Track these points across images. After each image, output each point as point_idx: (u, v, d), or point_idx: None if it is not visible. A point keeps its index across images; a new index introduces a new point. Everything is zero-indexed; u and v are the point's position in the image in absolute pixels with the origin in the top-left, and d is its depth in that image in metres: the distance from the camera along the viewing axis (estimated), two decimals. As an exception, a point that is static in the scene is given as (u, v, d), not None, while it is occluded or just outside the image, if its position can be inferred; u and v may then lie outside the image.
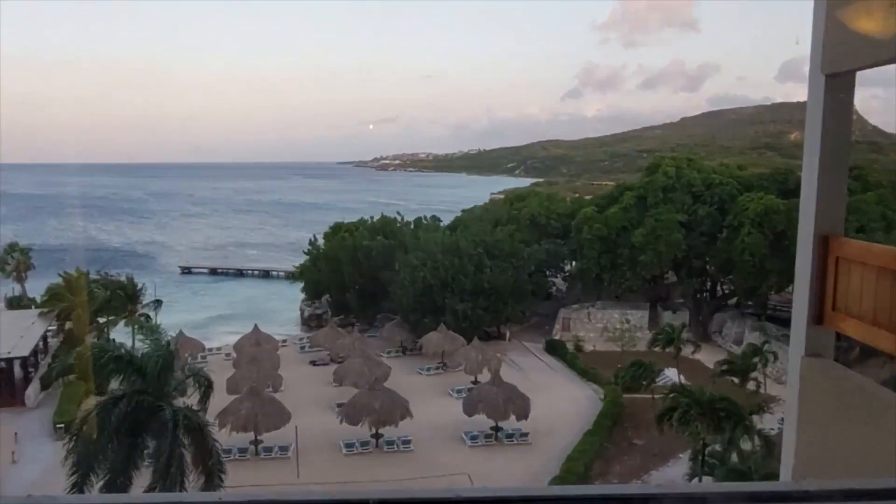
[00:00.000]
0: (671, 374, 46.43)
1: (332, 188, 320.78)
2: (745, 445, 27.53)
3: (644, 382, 36.82)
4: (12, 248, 68.14)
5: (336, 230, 73.49)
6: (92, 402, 31.66)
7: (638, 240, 55.87)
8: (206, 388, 23.11)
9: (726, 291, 60.99)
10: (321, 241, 72.46)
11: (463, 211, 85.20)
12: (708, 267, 57.67)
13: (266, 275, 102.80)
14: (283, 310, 79.62)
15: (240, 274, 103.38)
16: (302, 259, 73.94)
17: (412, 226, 71.02)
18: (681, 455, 34.64)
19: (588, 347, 55.89)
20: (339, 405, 39.35)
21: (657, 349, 41.99)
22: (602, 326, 57.21)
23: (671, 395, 27.33)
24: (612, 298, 62.96)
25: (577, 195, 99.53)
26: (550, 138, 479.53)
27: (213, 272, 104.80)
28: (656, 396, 39.54)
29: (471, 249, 56.20)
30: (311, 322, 71.27)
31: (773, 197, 52.78)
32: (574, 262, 63.49)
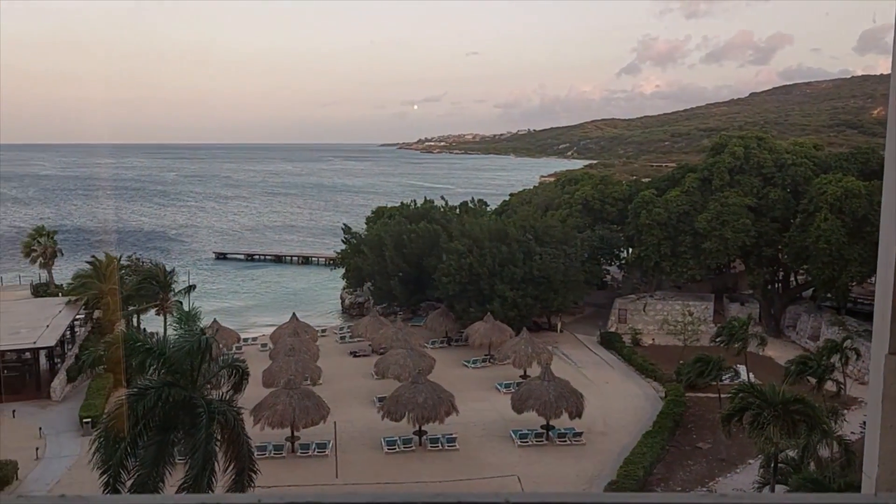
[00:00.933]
0: (739, 372, 45.06)
1: (373, 171, 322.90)
2: (823, 452, 26.32)
3: (710, 380, 35.56)
4: (39, 232, 68.77)
5: (378, 215, 73.43)
6: (120, 394, 32.05)
7: (702, 225, 54.15)
8: (239, 379, 22.89)
9: (800, 282, 58.82)
10: (363, 227, 72.48)
11: (511, 195, 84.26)
12: (780, 256, 55.58)
13: (305, 261, 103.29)
14: (322, 298, 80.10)
15: (278, 260, 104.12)
16: (342, 244, 74.11)
17: (457, 210, 70.46)
18: (751, 461, 33.43)
19: (646, 341, 54.58)
20: (381, 399, 39.16)
21: (723, 344, 40.57)
22: (662, 318, 55.79)
23: (740, 395, 26.17)
24: (672, 288, 61.44)
25: (635, 177, 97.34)
26: (605, 117, 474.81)
27: (250, 258, 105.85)
28: (723, 396, 38.36)
29: (519, 235, 55.37)
30: (351, 310, 71.49)
31: (853, 179, 50.49)
32: (631, 250, 61.99)
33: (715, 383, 35.85)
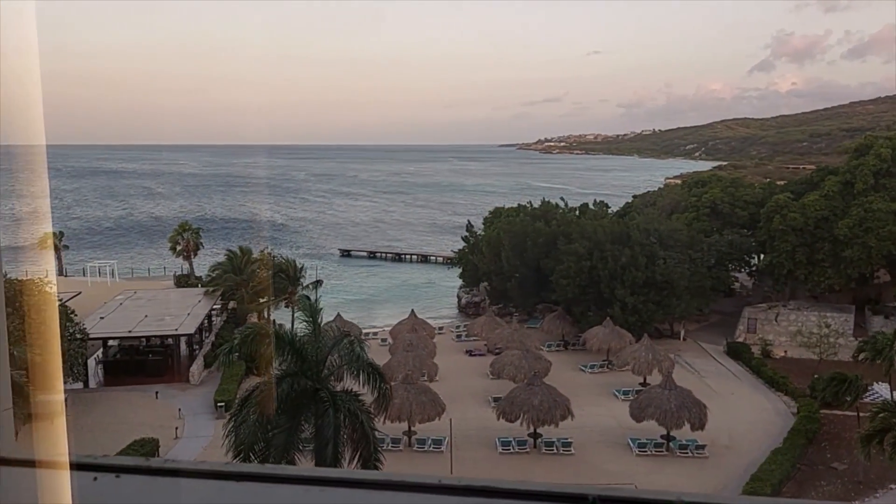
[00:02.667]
0: (881, 390, 41.86)
1: (491, 171, 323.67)
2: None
3: (848, 399, 33.19)
4: (183, 227, 73.49)
5: (496, 215, 73.58)
6: (252, 382, 33.74)
7: (843, 232, 50.76)
8: (372, 375, 23.43)
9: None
10: (480, 226, 72.90)
11: (634, 196, 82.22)
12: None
13: (424, 259, 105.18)
14: (440, 296, 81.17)
15: (398, 258, 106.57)
16: (459, 243, 74.84)
17: (577, 212, 69.46)
18: (892, 486, 31.07)
19: (777, 353, 51.71)
20: (496, 399, 39.23)
21: (867, 361, 37.76)
22: (795, 330, 52.66)
23: (881, 415, 24.27)
24: (807, 298, 57.92)
25: (768, 180, 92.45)
26: (736, 116, 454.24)
27: (372, 255, 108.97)
28: (862, 415, 35.78)
29: (642, 239, 53.88)
30: (468, 309, 72.01)
31: None
32: (762, 256, 58.95)
33: (850, 399, 33.42)
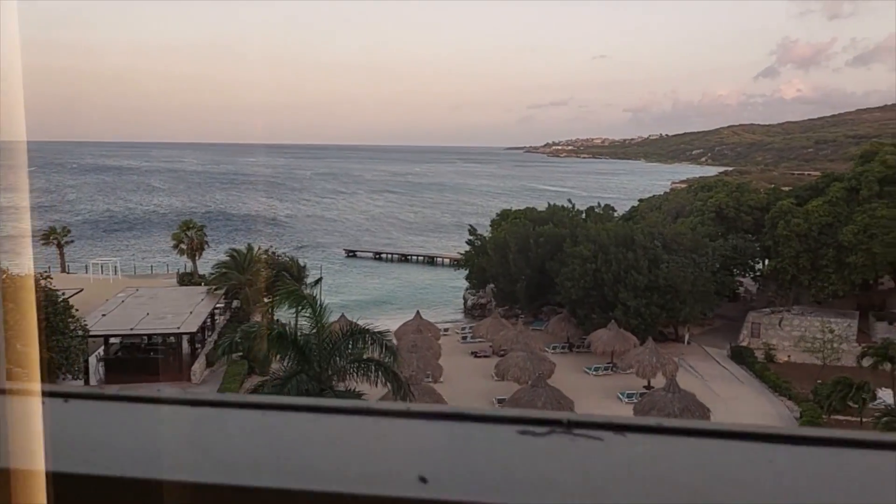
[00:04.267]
0: (885, 397, 41.97)
1: (498, 173, 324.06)
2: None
3: (852, 404, 33.27)
4: (187, 225, 73.62)
5: (503, 217, 73.78)
6: (254, 381, 33.86)
7: (847, 238, 50.82)
8: (385, 372, 23.51)
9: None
10: (487, 229, 73.06)
11: (640, 200, 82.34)
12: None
13: (431, 261, 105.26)
14: (446, 297, 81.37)
15: (404, 259, 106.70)
16: (464, 244, 75.01)
17: (583, 215, 69.61)
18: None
19: (781, 358, 51.80)
20: (500, 400, 39.40)
21: (871, 366, 37.82)
22: (798, 335, 52.77)
23: (884, 419, 24.34)
24: (811, 304, 57.96)
25: (773, 186, 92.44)
26: (743, 122, 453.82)
27: (378, 256, 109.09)
28: (865, 420, 35.85)
29: (647, 242, 54.00)
30: (474, 311, 72.20)
31: None
32: (767, 261, 58.99)
33: (854, 405, 33.51)
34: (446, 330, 61.43)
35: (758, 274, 63.56)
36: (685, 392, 36.13)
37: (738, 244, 59.00)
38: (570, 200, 70.05)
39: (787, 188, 74.83)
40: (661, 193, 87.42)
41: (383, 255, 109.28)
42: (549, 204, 69.77)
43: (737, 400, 43.92)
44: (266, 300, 57.82)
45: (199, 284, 63.36)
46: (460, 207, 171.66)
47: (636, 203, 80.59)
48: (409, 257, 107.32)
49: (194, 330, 47.70)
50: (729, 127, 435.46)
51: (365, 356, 23.59)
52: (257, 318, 56.90)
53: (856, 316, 54.28)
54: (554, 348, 53.97)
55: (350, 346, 23.36)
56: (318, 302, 25.05)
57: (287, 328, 23.74)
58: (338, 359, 23.41)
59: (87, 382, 44.10)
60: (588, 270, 53.38)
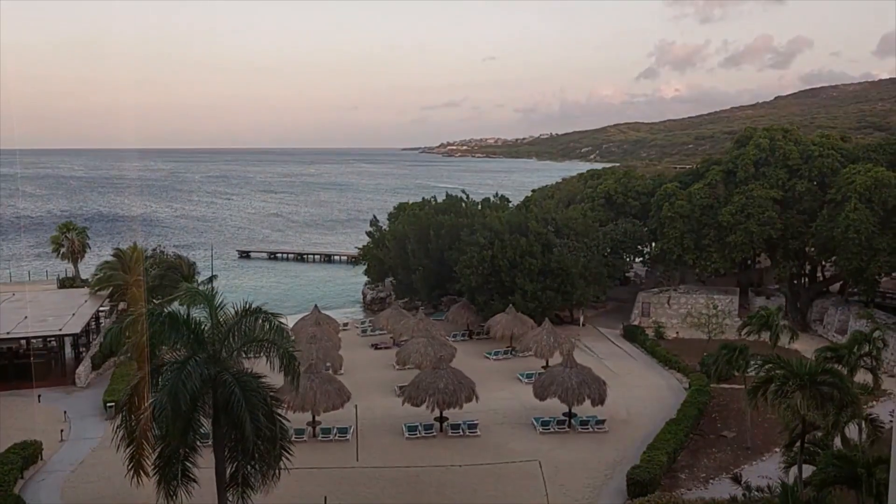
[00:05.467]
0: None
1: (395, 172, 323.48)
2: (851, 434, 25.65)
3: (736, 371, 34.88)
4: (67, 227, 69.35)
5: (401, 210, 73.38)
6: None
7: (726, 218, 53.48)
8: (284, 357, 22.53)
9: (827, 276, 57.95)
10: (385, 224, 72.46)
11: (533, 190, 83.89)
12: (807, 249, 54.73)
13: (328, 259, 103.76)
14: (344, 293, 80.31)
15: (300, 258, 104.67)
16: (361, 241, 74.20)
17: (479, 206, 70.14)
18: (777, 449, 32.83)
19: (670, 334, 53.95)
20: (402, 388, 39.03)
21: (751, 334, 39.79)
22: (685, 312, 55.21)
23: (766, 367, 25.51)
24: (696, 283, 60.76)
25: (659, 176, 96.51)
26: (628, 121, 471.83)
27: (272, 256, 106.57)
28: (749, 386, 37.68)
29: (540, 228, 55.03)
30: (373, 306, 71.46)
31: (882, 169, 49.67)
32: (654, 244, 61.36)
33: (738, 372, 35.15)
34: (346, 324, 60.50)
35: (647, 257, 65.96)
36: (582, 367, 36.88)
37: (627, 228, 61.05)
38: (463, 191, 70.31)
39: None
40: (553, 183, 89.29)
41: (278, 255, 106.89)
42: (446, 194, 69.84)
43: (631, 374, 45.40)
44: (156, 301, 55.22)
45: (83, 288, 59.81)
46: (356, 205, 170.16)
47: (530, 194, 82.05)
48: (305, 256, 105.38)
49: (77, 331, 44.83)
50: (615, 125, 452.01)
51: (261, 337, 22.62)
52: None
53: (737, 292, 57.27)
54: (454, 336, 54.09)
55: (243, 325, 22.38)
56: (215, 293, 23.91)
57: (178, 311, 22.40)
58: (233, 340, 22.42)
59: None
60: (485, 257, 53.85)
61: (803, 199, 53.15)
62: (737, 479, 28.48)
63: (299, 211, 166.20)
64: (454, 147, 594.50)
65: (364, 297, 75.34)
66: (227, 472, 22.11)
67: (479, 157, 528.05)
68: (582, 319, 57.60)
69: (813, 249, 53.86)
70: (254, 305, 23.20)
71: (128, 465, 21.44)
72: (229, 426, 21.51)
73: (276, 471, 21.78)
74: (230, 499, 22.58)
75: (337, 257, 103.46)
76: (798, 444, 23.88)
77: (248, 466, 21.53)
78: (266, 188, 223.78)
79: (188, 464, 21.45)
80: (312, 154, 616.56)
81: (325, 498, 28.01)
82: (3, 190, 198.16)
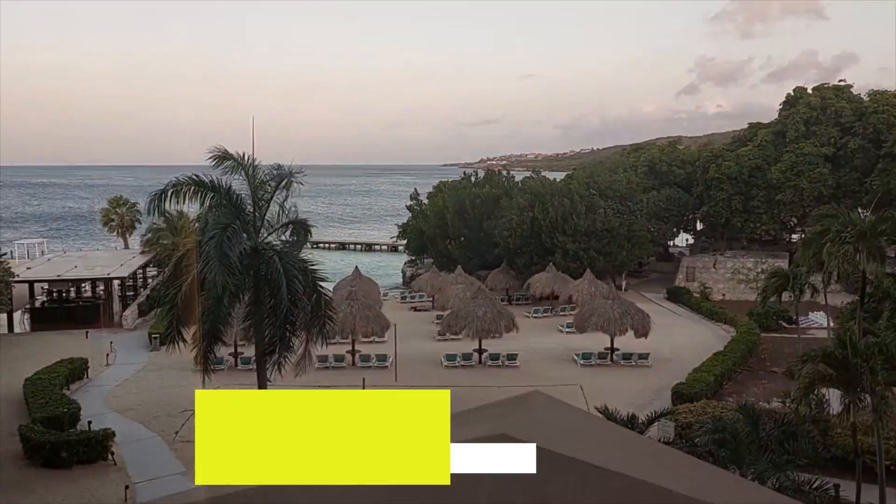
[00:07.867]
0: (817, 318, 43.03)
1: (434, 183, 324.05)
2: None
3: (792, 293, 32.90)
4: (117, 201, 70.73)
5: (440, 189, 73.38)
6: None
7: (775, 177, 52.27)
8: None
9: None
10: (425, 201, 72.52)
11: (574, 169, 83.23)
12: (860, 210, 53.05)
13: (369, 248, 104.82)
14: (386, 275, 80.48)
15: (342, 247, 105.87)
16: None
17: (519, 183, 69.70)
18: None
19: (716, 297, 52.71)
20: (438, 317, 38.72)
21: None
22: (730, 275, 53.89)
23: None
24: (742, 249, 59.34)
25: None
26: (670, 135, 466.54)
27: (315, 245, 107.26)
28: (803, 337, 36.59)
29: (583, 190, 54.44)
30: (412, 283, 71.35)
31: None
32: (699, 211, 60.07)
33: (792, 296, 33.55)
34: (385, 294, 60.51)
35: (690, 223, 64.69)
36: (624, 299, 36.21)
37: (671, 194, 59.95)
38: (505, 166, 69.95)
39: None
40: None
41: (320, 244, 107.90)
42: (486, 171, 69.57)
43: (675, 326, 44.42)
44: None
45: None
46: (393, 205, 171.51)
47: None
48: (347, 245, 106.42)
49: (125, 275, 45.90)
50: (657, 139, 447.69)
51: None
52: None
53: (787, 257, 55.68)
54: (494, 298, 53.57)
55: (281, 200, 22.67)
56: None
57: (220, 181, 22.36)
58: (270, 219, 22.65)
59: (10, 330, 41.85)
60: (525, 219, 53.39)
61: (856, 157, 51.66)
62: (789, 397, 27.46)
63: (338, 210, 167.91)
64: (494, 162, 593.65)
65: (404, 274, 75.40)
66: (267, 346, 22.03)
67: (518, 170, 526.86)
68: (624, 285, 56.63)
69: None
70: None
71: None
72: (270, 296, 21.51)
73: (324, 341, 21.96)
74: (270, 380, 22.54)
75: (377, 246, 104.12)
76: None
77: (288, 335, 21.45)
78: (304, 193, 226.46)
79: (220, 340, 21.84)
80: (355, 169, 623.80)
81: (364, 379, 28.24)
82: (55, 195, 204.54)
